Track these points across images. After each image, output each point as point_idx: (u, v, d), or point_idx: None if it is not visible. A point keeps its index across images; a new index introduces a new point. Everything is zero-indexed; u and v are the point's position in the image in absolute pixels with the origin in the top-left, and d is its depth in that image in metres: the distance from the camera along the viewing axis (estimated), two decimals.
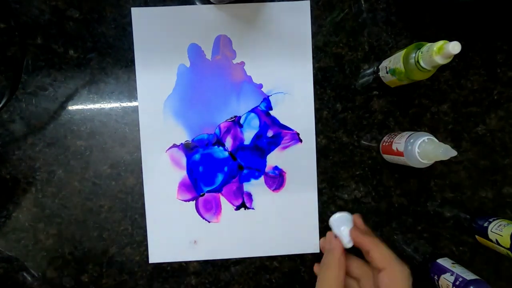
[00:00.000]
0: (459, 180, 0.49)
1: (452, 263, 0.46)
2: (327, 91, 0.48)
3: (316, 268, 0.45)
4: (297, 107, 0.48)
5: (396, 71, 0.41)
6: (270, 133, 0.48)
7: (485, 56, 0.48)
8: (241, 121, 0.48)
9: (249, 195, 0.48)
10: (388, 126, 0.48)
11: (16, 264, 0.47)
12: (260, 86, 0.48)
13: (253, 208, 0.48)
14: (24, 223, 0.47)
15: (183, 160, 0.47)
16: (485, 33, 0.48)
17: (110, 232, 0.47)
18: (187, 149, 0.47)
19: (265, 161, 0.48)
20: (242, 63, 0.47)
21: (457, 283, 0.41)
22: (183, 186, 0.48)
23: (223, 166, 0.48)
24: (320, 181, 0.48)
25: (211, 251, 0.48)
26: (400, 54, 0.40)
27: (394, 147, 0.43)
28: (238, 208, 0.48)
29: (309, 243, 0.49)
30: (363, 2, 0.47)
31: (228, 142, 0.48)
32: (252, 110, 0.48)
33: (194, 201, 0.48)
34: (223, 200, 0.48)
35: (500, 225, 0.43)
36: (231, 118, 0.48)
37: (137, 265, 0.48)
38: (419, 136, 0.39)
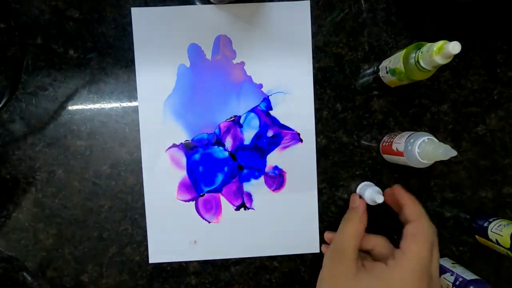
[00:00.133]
0: (459, 180, 0.49)
1: (452, 263, 0.46)
2: (327, 91, 0.48)
3: (324, 248, 0.46)
4: (297, 107, 0.48)
5: (396, 71, 0.41)
6: (270, 133, 0.48)
7: (485, 56, 0.48)
8: (241, 121, 0.48)
9: (249, 195, 0.48)
10: (388, 126, 0.48)
11: (16, 264, 0.47)
12: (260, 86, 0.48)
13: (253, 208, 0.48)
14: (24, 223, 0.47)
15: (183, 160, 0.47)
16: (485, 33, 0.48)
17: (110, 232, 0.47)
18: (187, 148, 0.47)
19: (265, 161, 0.48)
20: (242, 63, 0.48)
21: (457, 283, 0.41)
22: (183, 186, 0.48)
23: (223, 166, 0.48)
24: (320, 181, 0.48)
25: (211, 251, 0.48)
26: (400, 54, 0.40)
27: (394, 147, 0.43)
28: (238, 208, 0.48)
29: (309, 243, 0.49)
30: (363, 2, 0.47)
31: (228, 142, 0.48)
32: (252, 110, 0.48)
33: (194, 201, 0.48)
34: (223, 200, 0.48)
35: (500, 225, 0.43)
36: (231, 117, 0.48)
37: (137, 265, 0.48)
38: (419, 136, 0.39)
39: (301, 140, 0.48)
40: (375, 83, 0.48)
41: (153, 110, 0.47)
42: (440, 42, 0.34)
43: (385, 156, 0.47)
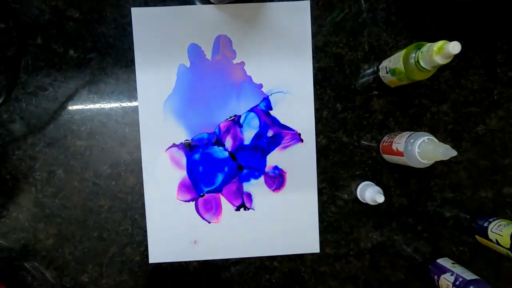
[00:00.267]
0: (459, 180, 0.49)
1: (452, 263, 0.46)
2: (327, 91, 0.48)
3: None
4: (297, 107, 0.48)
5: (396, 71, 0.41)
6: (270, 133, 0.48)
7: (485, 56, 0.48)
8: (241, 120, 0.48)
9: (249, 195, 0.48)
10: (388, 126, 0.48)
11: (17, 264, 0.47)
12: (260, 86, 0.48)
13: (253, 209, 0.48)
14: (24, 223, 0.47)
15: (183, 160, 0.47)
16: (485, 33, 0.48)
17: (110, 232, 0.47)
18: (187, 148, 0.47)
19: (265, 161, 0.48)
20: (242, 63, 0.47)
21: (457, 283, 0.41)
22: (183, 186, 0.48)
23: (223, 166, 0.48)
24: (320, 181, 0.48)
25: (211, 251, 0.48)
26: (400, 54, 0.40)
27: (394, 147, 0.43)
28: (238, 208, 0.48)
29: (309, 243, 0.49)
30: (363, 2, 0.47)
31: (228, 142, 0.48)
32: (252, 110, 0.48)
33: (194, 201, 0.48)
34: (223, 200, 0.48)
35: (500, 225, 0.43)
36: (231, 117, 0.48)
37: (137, 265, 0.48)
38: (419, 136, 0.39)
39: (302, 140, 0.48)
40: (375, 83, 0.48)
41: (153, 110, 0.47)
42: (440, 42, 0.34)
43: (385, 156, 0.47)
